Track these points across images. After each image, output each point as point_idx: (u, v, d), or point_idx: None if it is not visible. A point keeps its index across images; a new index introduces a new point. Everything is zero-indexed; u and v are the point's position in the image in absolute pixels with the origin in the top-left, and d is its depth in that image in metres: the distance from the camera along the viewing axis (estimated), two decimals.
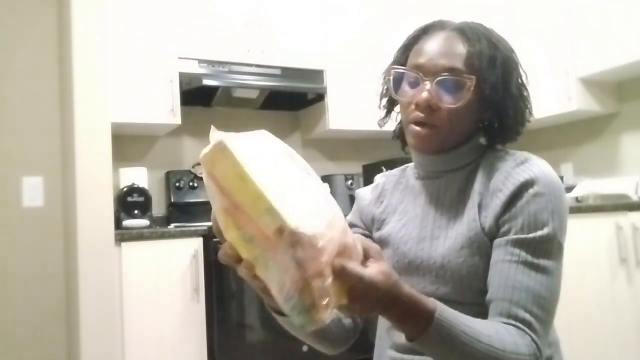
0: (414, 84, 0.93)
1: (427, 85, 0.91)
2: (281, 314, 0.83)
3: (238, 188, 0.58)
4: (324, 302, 0.59)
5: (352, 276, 0.65)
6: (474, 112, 0.94)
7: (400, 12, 3.40)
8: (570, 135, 3.31)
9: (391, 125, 1.08)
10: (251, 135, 0.64)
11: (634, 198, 2.73)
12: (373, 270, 0.68)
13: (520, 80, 0.96)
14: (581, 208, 2.56)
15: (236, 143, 0.59)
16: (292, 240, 0.56)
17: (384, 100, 1.06)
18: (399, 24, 3.39)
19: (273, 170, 0.60)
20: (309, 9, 3.16)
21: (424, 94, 0.90)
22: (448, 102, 0.90)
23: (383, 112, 1.07)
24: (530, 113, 0.98)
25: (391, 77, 0.97)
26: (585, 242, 2.49)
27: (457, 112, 0.91)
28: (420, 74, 0.92)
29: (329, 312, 0.60)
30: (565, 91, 2.91)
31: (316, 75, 3.13)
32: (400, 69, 0.96)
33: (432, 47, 0.93)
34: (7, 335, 2.37)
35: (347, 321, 0.97)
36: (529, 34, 3.01)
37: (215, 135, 0.59)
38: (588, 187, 2.91)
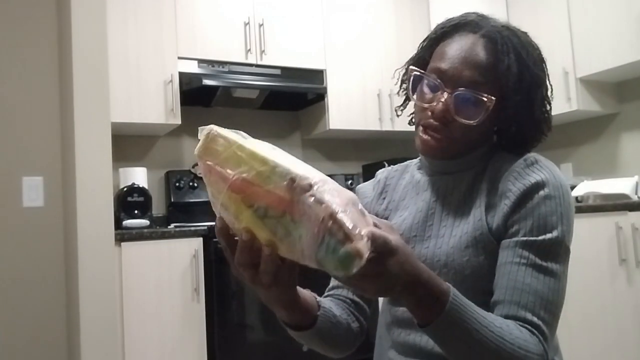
0: (434, 88, 0.91)
1: (446, 95, 0.88)
2: (295, 328, 0.82)
3: (239, 162, 0.60)
4: (357, 231, 0.57)
5: (377, 238, 0.61)
6: (490, 122, 0.92)
7: (401, 12, 3.40)
8: (570, 135, 3.31)
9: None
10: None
11: (634, 198, 2.73)
12: (395, 236, 0.64)
13: (544, 97, 0.93)
14: (581, 208, 2.56)
15: (223, 129, 0.64)
16: (306, 184, 0.58)
17: (402, 90, 1.03)
18: (399, 24, 3.40)
19: (262, 145, 0.63)
20: (309, 9, 3.16)
21: (441, 105, 0.88)
22: (464, 117, 0.88)
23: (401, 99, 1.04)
24: (549, 128, 0.96)
25: (411, 78, 0.94)
26: (585, 242, 2.49)
27: (472, 126, 0.89)
28: (441, 82, 0.89)
29: (365, 243, 0.57)
30: (565, 91, 2.92)
31: (316, 75, 3.13)
32: (420, 73, 0.93)
33: (457, 52, 0.90)
34: (7, 336, 2.37)
35: (354, 325, 0.97)
36: (529, 34, 3.01)
37: (204, 130, 0.64)
38: (588, 187, 2.91)
